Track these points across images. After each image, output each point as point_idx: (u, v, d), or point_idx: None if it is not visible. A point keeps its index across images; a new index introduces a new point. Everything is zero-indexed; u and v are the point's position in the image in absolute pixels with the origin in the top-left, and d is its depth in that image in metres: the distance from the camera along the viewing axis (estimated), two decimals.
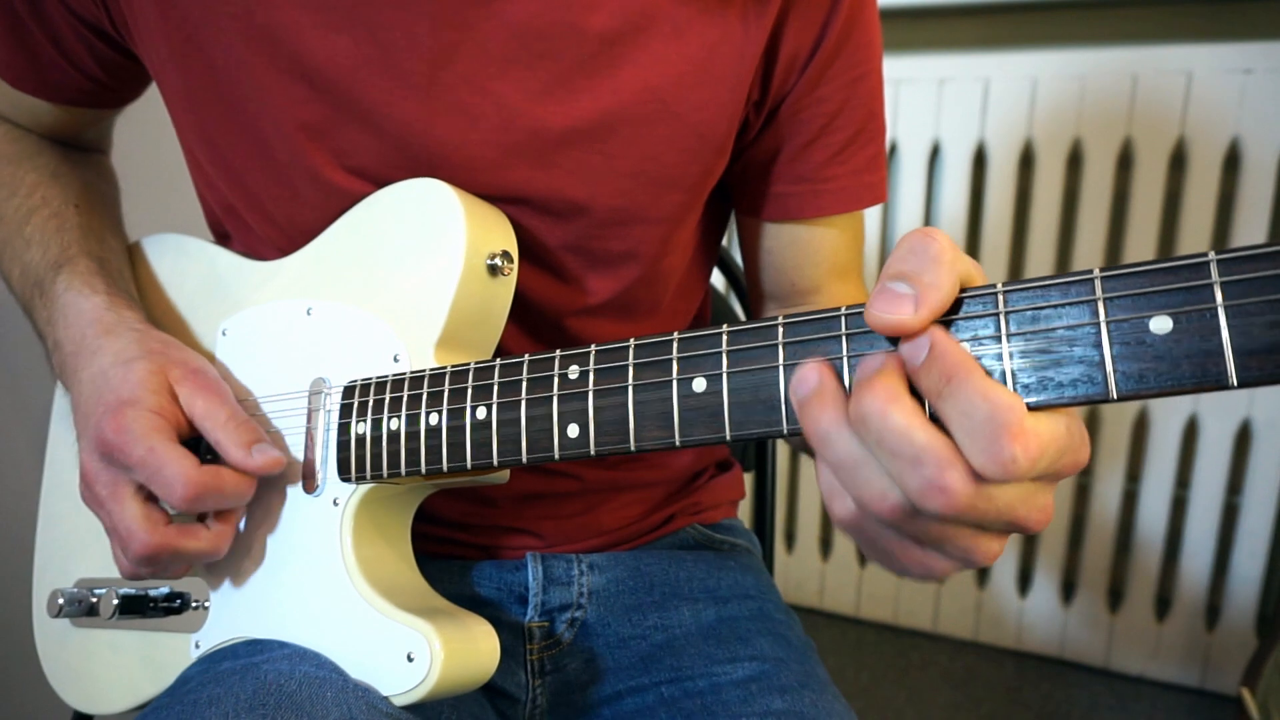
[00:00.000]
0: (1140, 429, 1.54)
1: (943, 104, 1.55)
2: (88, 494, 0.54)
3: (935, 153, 1.60)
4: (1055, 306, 0.33)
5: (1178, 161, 1.44)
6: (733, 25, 0.56)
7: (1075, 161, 1.50)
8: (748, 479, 0.90)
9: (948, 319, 0.35)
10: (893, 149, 1.61)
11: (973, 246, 1.62)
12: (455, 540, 0.68)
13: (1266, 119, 1.36)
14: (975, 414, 0.31)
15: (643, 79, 0.55)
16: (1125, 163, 1.47)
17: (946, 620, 1.75)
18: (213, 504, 0.51)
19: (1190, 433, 1.50)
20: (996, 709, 1.57)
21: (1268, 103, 1.35)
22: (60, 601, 0.60)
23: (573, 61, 0.54)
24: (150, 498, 0.53)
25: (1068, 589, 1.65)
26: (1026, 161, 1.54)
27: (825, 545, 1.85)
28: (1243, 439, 1.47)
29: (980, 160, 1.57)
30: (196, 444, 0.55)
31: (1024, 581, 1.69)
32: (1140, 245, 1.47)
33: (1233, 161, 1.41)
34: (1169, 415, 1.50)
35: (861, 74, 0.62)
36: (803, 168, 0.64)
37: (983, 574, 1.70)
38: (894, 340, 0.35)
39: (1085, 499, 1.60)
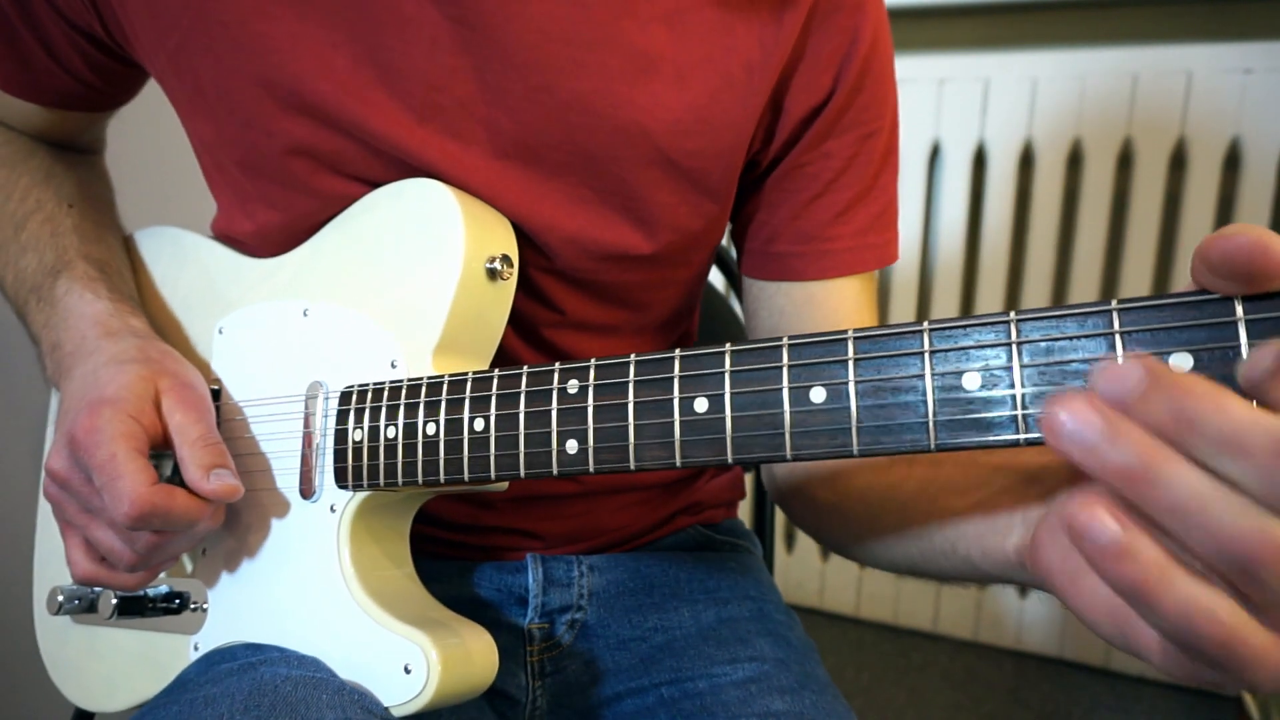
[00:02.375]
0: None
1: (943, 104, 1.55)
2: (54, 490, 0.53)
3: (935, 153, 1.60)
4: (1070, 339, 0.32)
5: (1178, 161, 1.44)
6: (736, 74, 0.55)
7: (1075, 161, 1.50)
8: (748, 479, 0.90)
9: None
10: None
11: (973, 246, 1.62)
12: (454, 542, 0.68)
13: (1266, 119, 1.36)
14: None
15: (639, 122, 0.54)
16: (1125, 163, 1.47)
17: (946, 620, 1.75)
18: (158, 524, 0.50)
19: None
20: (996, 709, 1.57)
21: (1268, 103, 1.35)
22: (60, 598, 0.60)
23: (570, 97, 0.53)
24: (103, 501, 0.51)
25: None
26: (1026, 161, 1.54)
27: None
28: None
29: (980, 160, 1.57)
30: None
31: None
32: (1140, 245, 1.47)
33: (1233, 161, 1.41)
34: None
35: (873, 130, 0.60)
36: (806, 225, 0.62)
37: None
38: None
39: None
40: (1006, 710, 1.56)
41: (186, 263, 0.66)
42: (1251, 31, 1.41)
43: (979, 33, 1.59)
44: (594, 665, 0.67)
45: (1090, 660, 1.64)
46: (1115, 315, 0.31)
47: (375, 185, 0.57)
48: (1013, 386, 0.32)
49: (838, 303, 0.64)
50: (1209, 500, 0.25)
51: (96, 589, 0.60)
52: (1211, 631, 0.26)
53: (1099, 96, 1.45)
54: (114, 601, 0.57)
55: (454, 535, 0.68)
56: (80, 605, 0.60)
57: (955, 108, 1.54)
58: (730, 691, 0.61)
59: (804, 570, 1.85)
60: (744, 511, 0.85)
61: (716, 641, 0.66)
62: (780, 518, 1.89)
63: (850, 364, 0.36)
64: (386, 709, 0.49)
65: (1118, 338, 0.31)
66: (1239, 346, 0.29)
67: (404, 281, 0.54)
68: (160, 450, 0.54)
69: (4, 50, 0.62)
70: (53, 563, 0.67)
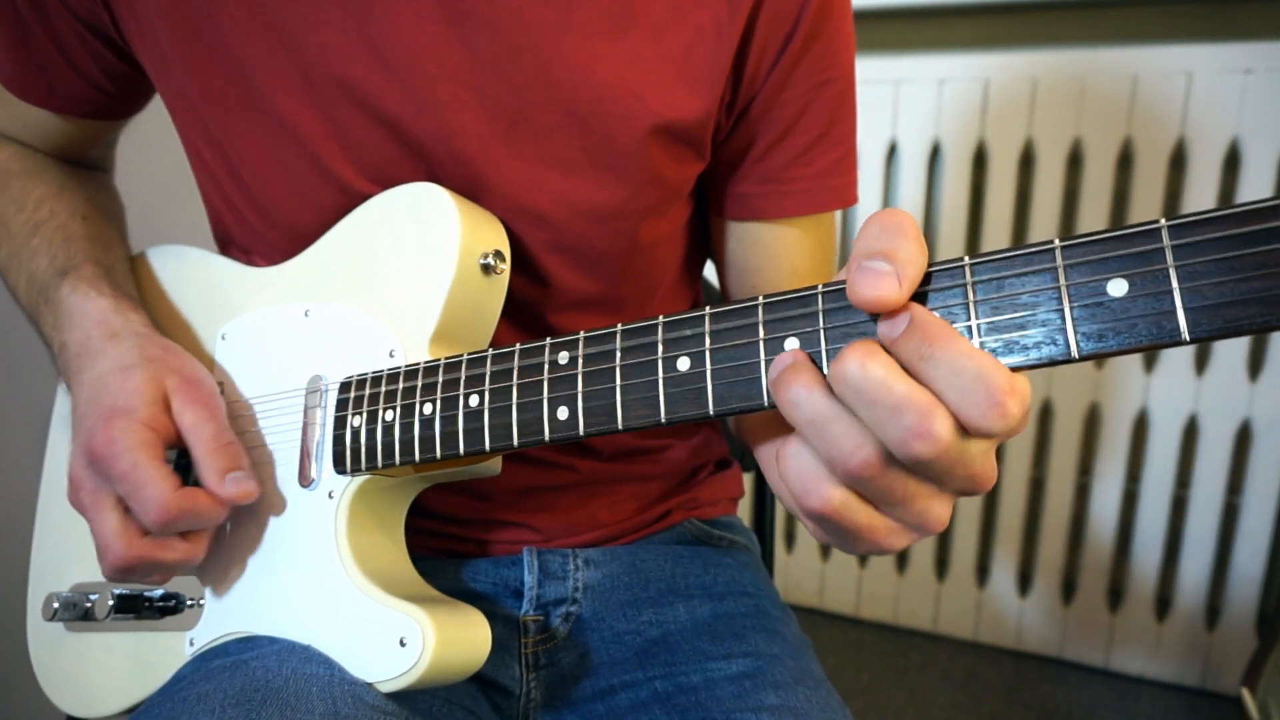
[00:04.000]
0: (1140, 429, 1.54)
1: (943, 104, 1.55)
2: (74, 497, 0.55)
3: (935, 152, 1.60)
4: (1018, 275, 0.35)
5: (1178, 161, 1.44)
6: (706, 28, 0.58)
7: (1075, 161, 1.50)
8: (747, 479, 0.90)
9: (920, 291, 0.36)
10: (892, 149, 1.61)
11: (973, 247, 1.62)
12: (452, 535, 0.68)
13: (1266, 119, 1.36)
14: (965, 373, 0.33)
15: (621, 77, 0.56)
16: (1125, 163, 1.47)
17: (946, 620, 1.75)
18: (187, 525, 0.52)
19: (1190, 433, 1.50)
20: (996, 709, 1.57)
21: (1268, 103, 1.35)
22: (55, 605, 0.61)
23: (554, 53, 0.55)
24: (131, 509, 0.53)
25: (1068, 589, 1.65)
26: (1026, 161, 1.54)
27: (825, 545, 1.85)
28: (1243, 439, 1.46)
29: (980, 160, 1.57)
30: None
31: (1024, 581, 1.69)
32: None
33: (1233, 161, 1.41)
34: (1169, 415, 1.50)
35: (826, 79, 0.63)
36: (767, 168, 0.65)
37: (983, 574, 1.71)
38: (874, 316, 0.36)
39: (1085, 499, 1.60)
40: (1006, 710, 1.56)
41: (191, 274, 0.67)
42: (1251, 31, 1.41)
43: (979, 33, 1.60)
44: (588, 658, 0.67)
45: (1090, 660, 1.64)
46: (1058, 251, 0.34)
47: (376, 170, 0.58)
48: (968, 322, 0.35)
49: (782, 245, 0.68)
50: (830, 419, 0.35)
51: (92, 596, 0.61)
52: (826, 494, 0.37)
53: (1099, 96, 1.45)
54: (111, 602, 0.58)
55: (451, 529, 0.68)
56: (75, 612, 0.61)
57: (955, 108, 1.54)
58: (724, 686, 0.62)
59: (804, 570, 1.85)
60: (744, 511, 0.85)
61: (711, 636, 0.66)
62: (780, 518, 1.89)
63: (819, 315, 0.38)
64: (376, 692, 0.50)
65: (1060, 270, 0.34)
66: (1167, 269, 0.32)
67: (402, 278, 0.56)
68: (173, 447, 0.55)
69: (19, 54, 0.64)
70: (49, 571, 0.68)
